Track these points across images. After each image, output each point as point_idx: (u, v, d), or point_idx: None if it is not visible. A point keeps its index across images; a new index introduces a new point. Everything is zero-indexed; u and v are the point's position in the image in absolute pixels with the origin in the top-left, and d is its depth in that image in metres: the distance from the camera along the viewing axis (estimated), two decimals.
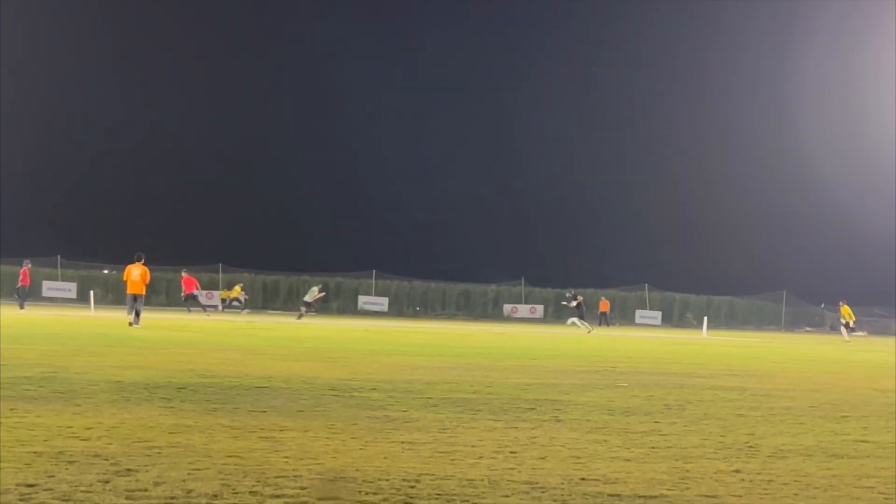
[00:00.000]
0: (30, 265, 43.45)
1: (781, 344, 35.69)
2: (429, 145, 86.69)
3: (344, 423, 7.70)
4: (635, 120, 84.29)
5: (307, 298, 46.06)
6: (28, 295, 43.81)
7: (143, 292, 28.98)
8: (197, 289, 47.70)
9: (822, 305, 72.49)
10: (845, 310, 43.85)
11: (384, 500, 4.89)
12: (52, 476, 5.16)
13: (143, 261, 29.24)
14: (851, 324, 43.57)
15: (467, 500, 4.92)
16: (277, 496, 4.88)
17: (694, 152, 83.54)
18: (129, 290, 28.93)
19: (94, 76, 79.79)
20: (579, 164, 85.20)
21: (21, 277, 42.04)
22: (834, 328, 66.40)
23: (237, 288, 60.53)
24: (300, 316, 43.77)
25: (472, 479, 5.48)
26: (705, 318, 47.68)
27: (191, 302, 47.43)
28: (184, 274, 48.65)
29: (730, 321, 69.69)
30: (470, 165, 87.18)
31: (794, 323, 72.05)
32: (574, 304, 42.88)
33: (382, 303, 68.12)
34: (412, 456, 6.26)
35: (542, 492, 5.22)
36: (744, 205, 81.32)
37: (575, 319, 42.10)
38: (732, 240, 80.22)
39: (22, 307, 40.21)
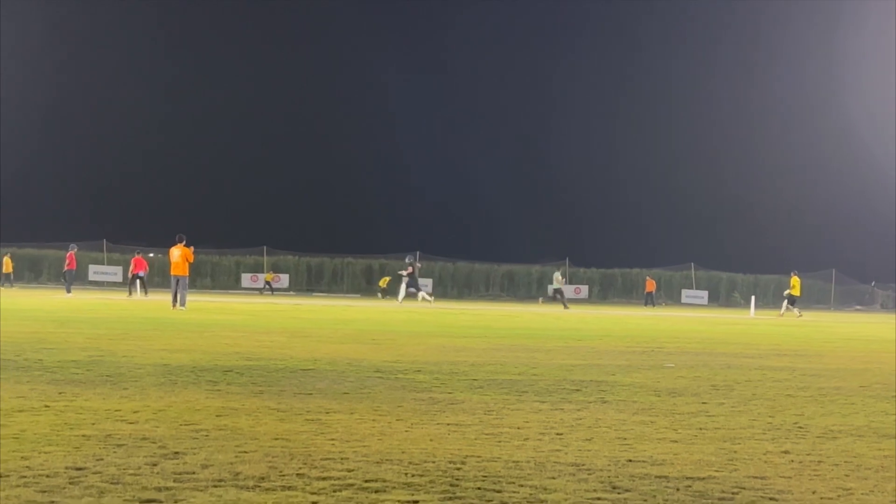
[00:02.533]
0: (76, 249, 43.90)
1: (831, 323, 35.32)
2: (473, 126, 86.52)
3: (389, 405, 7.72)
4: (681, 97, 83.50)
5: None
6: (74, 279, 44.31)
7: (187, 273, 29.11)
8: (144, 270, 43.05)
9: (873, 283, 71.65)
10: None
11: (430, 482, 4.89)
12: (101, 459, 5.21)
13: (184, 241, 29.41)
14: None
15: (513, 482, 4.92)
16: (324, 478, 4.90)
17: (741, 129, 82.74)
18: (173, 272, 29.20)
19: (140, 63, 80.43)
20: (624, 143, 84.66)
21: (67, 261, 42.51)
22: (885, 306, 65.58)
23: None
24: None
25: (518, 461, 5.47)
26: (753, 298, 47.30)
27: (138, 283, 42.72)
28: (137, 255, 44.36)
29: (778, 300, 68.97)
30: (514, 146, 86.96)
31: (844, 301, 71.29)
32: (405, 272, 41.60)
33: (427, 284, 68.26)
34: (458, 438, 6.26)
35: (589, 473, 5.20)
36: (792, 182, 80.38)
37: (425, 294, 41.14)
38: (780, 218, 79.43)
39: (68, 291, 40.69)
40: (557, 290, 45.29)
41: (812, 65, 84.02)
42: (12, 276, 53.13)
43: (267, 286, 62.44)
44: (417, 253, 41.82)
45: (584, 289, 70.50)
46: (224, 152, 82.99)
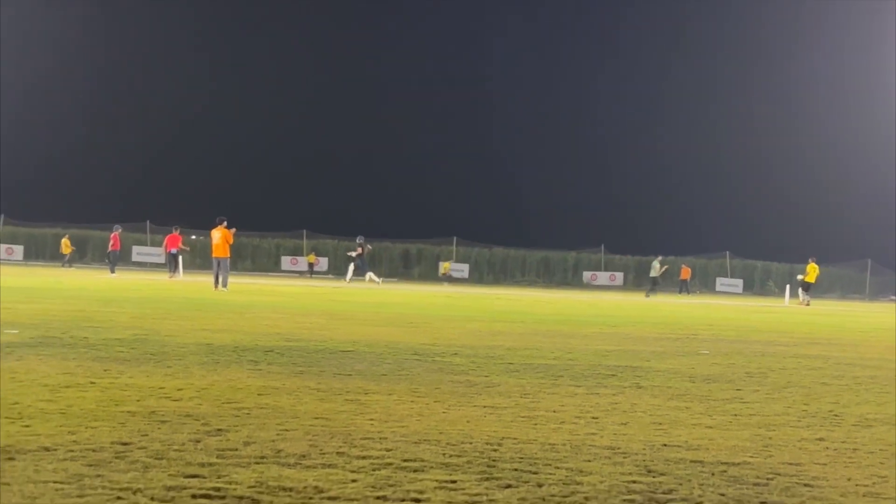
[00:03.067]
0: (120, 230, 44.19)
1: (866, 313, 34.97)
2: (510, 111, 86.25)
3: (427, 386, 7.75)
4: (722, 81, 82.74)
5: None
6: (118, 260, 44.67)
7: (228, 255, 29.27)
8: (179, 247, 41.18)
9: None
10: None
11: (468, 462, 4.91)
12: (146, 435, 5.27)
13: (225, 223, 29.61)
14: None
15: (550, 464, 4.92)
16: (363, 457, 4.93)
17: (776, 116, 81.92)
18: (214, 254, 29.41)
19: (183, 42, 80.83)
20: (660, 130, 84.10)
21: (111, 242, 42.85)
22: None
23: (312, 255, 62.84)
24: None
25: (554, 444, 5.48)
26: (787, 287, 46.82)
27: (171, 261, 41.66)
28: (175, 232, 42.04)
29: (812, 289, 68.39)
30: (550, 132, 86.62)
31: (879, 292, 70.52)
32: (355, 252, 41.55)
33: (463, 269, 68.26)
34: (494, 420, 6.27)
35: (625, 457, 5.20)
36: (827, 171, 79.44)
37: (373, 275, 40.96)
38: (816, 207, 78.57)
39: (112, 271, 41.03)
40: (655, 280, 44.72)
41: (850, 51, 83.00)
42: (67, 258, 53.62)
43: (309, 268, 62.85)
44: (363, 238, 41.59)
45: (619, 276, 70.23)
46: (266, 137, 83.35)
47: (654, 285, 45.99)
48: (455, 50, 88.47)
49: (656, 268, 45.57)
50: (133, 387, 7.07)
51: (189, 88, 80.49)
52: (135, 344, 10.19)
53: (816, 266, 41.03)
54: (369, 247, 43.15)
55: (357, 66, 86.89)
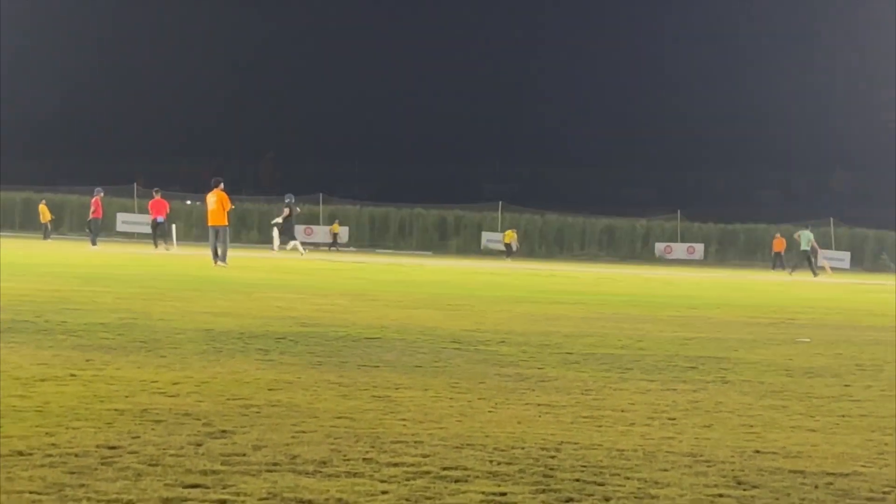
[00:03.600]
0: (102, 194, 44.14)
1: None
2: (572, 61, 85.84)
3: (469, 381, 7.78)
4: (818, 25, 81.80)
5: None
6: (101, 229, 44.84)
7: (226, 223, 29.23)
8: (164, 214, 42.65)
9: None
10: None
11: (519, 471, 4.93)
12: (137, 437, 5.34)
13: (221, 186, 29.52)
14: None
15: (618, 474, 4.93)
16: (395, 464, 4.96)
17: (879, 59, 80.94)
18: (210, 222, 29.32)
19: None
20: (748, 71, 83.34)
21: (92, 209, 42.89)
22: None
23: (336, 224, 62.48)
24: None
25: (623, 450, 5.49)
26: None
27: (158, 231, 43.18)
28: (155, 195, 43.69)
29: None
30: (616, 78, 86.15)
31: None
32: (281, 216, 41.66)
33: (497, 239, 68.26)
34: (551, 421, 6.29)
35: (709, 466, 5.20)
36: None
37: (297, 244, 41.07)
38: None
39: (94, 243, 41.14)
40: (806, 254, 44.02)
41: None
42: (50, 227, 52.98)
43: (333, 239, 62.97)
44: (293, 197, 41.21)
45: (699, 248, 69.94)
46: (276, 90, 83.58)
47: (803, 261, 44.86)
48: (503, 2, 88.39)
49: (808, 240, 44.66)
50: (121, 380, 7.15)
51: (187, 37, 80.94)
52: (122, 329, 10.29)
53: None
54: (298, 209, 43.08)
55: (381, 18, 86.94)
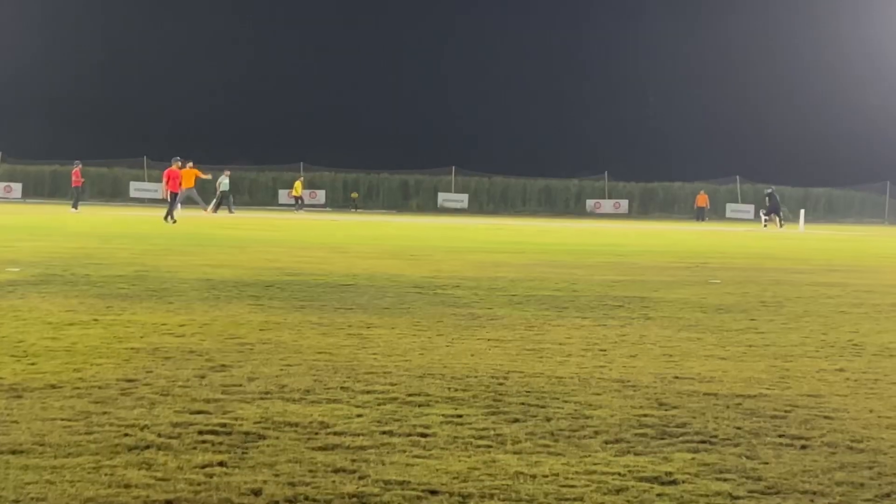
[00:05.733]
0: (80, 165, 42.86)
1: (885, 237, 34.77)
2: (506, 34, 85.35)
3: (429, 320, 7.82)
4: (734, 3, 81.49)
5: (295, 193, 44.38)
6: (81, 194, 43.74)
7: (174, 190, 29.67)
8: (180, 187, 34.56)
9: None
10: None
11: (473, 396, 4.98)
12: (151, 371, 5.36)
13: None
14: None
15: (557, 398, 4.99)
16: (368, 392, 5.01)
17: (788, 36, 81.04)
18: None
19: None
20: (664, 46, 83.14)
21: (73, 178, 42.18)
22: None
23: (298, 185, 55.09)
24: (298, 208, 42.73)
25: (562, 377, 5.54)
26: (802, 212, 46.45)
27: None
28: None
29: (828, 214, 68.18)
30: (548, 54, 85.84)
31: None
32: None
33: (462, 199, 68.18)
34: (499, 353, 6.34)
35: (635, 390, 5.26)
36: (841, 87, 78.33)
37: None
38: (830, 126, 77.70)
39: (75, 207, 40.23)
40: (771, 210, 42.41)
41: None
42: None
43: (298, 202, 56.86)
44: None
45: (624, 203, 70.10)
46: (262, 69, 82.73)
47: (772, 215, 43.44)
48: None
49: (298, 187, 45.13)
50: (136, 323, 7.16)
51: (183, 21, 79.93)
52: (136, 280, 10.28)
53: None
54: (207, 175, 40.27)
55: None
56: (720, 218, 65.22)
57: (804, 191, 70.07)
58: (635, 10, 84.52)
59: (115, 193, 63.87)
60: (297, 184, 55.53)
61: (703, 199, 57.27)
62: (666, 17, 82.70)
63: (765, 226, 41.01)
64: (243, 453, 3.86)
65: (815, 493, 3.55)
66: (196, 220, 31.01)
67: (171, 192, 29.83)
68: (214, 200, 42.25)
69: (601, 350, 6.56)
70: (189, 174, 34.06)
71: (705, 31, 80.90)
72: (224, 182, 43.62)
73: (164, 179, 30.72)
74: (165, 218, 28.00)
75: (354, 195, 63.78)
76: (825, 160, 74.45)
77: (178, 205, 30.84)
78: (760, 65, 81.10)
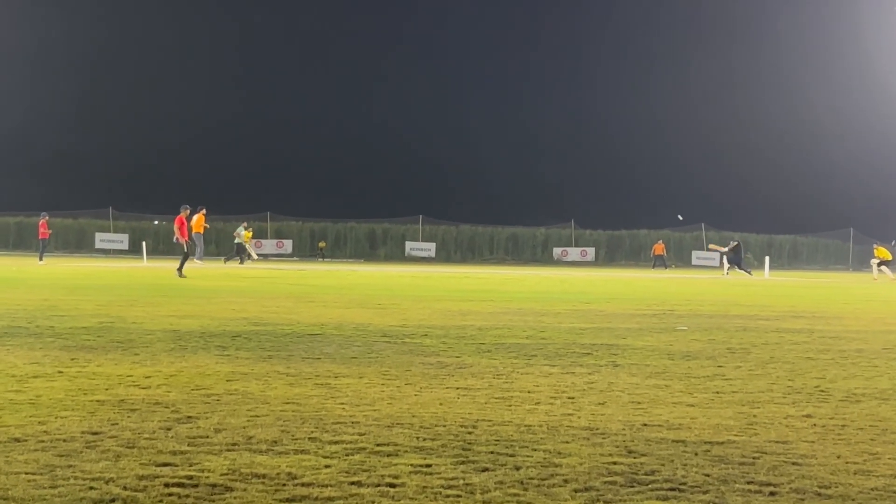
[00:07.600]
0: (47, 217, 42.68)
1: (850, 284, 35.08)
2: (473, 90, 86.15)
3: (398, 369, 7.80)
4: (698, 52, 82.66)
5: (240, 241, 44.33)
6: (47, 246, 43.34)
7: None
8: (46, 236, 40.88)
9: (893, 243, 71.13)
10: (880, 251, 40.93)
11: (442, 445, 4.97)
12: (116, 424, 5.31)
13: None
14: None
15: (526, 446, 4.98)
16: (336, 442, 4.98)
17: (751, 87, 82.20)
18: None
19: (145, 30, 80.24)
20: (627, 99, 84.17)
21: (41, 230, 41.84)
22: None
23: (247, 234, 47.52)
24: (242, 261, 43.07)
25: (531, 425, 5.54)
26: (767, 259, 46.87)
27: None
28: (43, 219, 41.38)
29: (793, 261, 68.86)
30: (515, 108, 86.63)
31: (863, 262, 70.67)
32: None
33: (430, 248, 68.31)
34: (468, 402, 6.33)
35: (604, 437, 5.26)
36: (807, 138, 79.50)
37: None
38: (795, 175, 78.73)
39: (41, 259, 39.96)
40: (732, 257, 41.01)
41: (831, 21, 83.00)
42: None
43: (320, 253, 62.76)
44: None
45: (591, 251, 70.46)
46: (228, 119, 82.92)
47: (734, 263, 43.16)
48: (414, 28, 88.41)
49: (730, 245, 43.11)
50: (101, 375, 7.09)
51: (151, 73, 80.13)
52: (101, 332, 10.19)
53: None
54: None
55: (319, 44, 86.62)
56: (686, 265, 65.65)
57: (769, 237, 70.78)
58: (600, 60, 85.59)
59: (80, 245, 63.50)
60: (246, 232, 47.08)
61: (660, 248, 57.85)
62: (631, 66, 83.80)
63: (726, 273, 41.15)
64: None
65: None
66: (164, 270, 30.82)
67: (184, 240, 29.24)
68: (243, 252, 43.75)
69: (569, 398, 6.56)
70: (199, 220, 35.90)
71: (670, 79, 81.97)
72: (241, 233, 44.51)
73: (176, 226, 30.20)
74: (182, 268, 26.51)
75: (322, 244, 63.99)
76: (790, 208, 75.32)
77: (199, 250, 31.17)
78: (727, 114, 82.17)
